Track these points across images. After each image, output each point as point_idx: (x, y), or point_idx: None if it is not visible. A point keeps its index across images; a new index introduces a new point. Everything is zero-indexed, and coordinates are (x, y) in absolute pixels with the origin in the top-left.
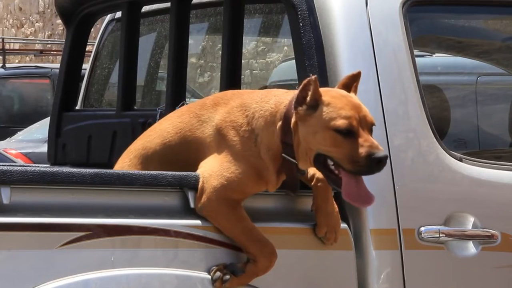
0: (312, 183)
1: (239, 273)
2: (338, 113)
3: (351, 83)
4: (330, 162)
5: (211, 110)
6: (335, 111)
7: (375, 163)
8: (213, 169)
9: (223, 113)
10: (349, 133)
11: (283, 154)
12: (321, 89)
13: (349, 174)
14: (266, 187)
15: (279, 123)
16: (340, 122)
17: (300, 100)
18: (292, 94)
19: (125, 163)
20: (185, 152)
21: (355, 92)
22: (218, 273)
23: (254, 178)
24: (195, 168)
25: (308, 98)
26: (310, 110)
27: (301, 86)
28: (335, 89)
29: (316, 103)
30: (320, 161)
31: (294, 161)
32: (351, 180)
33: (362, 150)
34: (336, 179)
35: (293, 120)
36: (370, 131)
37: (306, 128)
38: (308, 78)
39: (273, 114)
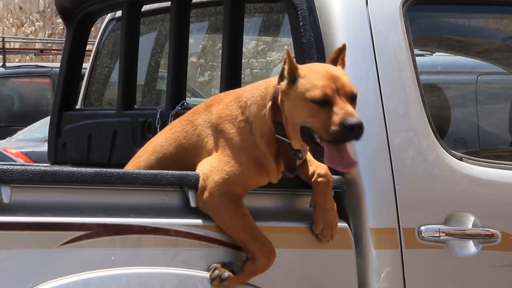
0: (313, 179)
1: (238, 271)
2: (313, 83)
3: (337, 57)
4: (316, 135)
5: (205, 112)
6: (310, 82)
7: (347, 130)
8: (213, 165)
9: (218, 110)
10: (325, 103)
11: (276, 135)
12: (304, 65)
13: (327, 143)
14: (268, 178)
15: (269, 104)
16: (314, 92)
17: (281, 76)
18: None
19: None
20: (182, 160)
21: (342, 65)
22: (216, 272)
23: (254, 169)
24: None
25: (286, 72)
26: (290, 84)
27: (283, 62)
28: (316, 63)
29: (294, 77)
30: (305, 134)
31: (286, 140)
32: (332, 147)
33: (336, 118)
34: (321, 150)
35: (279, 97)
36: (351, 100)
37: (288, 102)
38: (285, 54)
39: (263, 97)
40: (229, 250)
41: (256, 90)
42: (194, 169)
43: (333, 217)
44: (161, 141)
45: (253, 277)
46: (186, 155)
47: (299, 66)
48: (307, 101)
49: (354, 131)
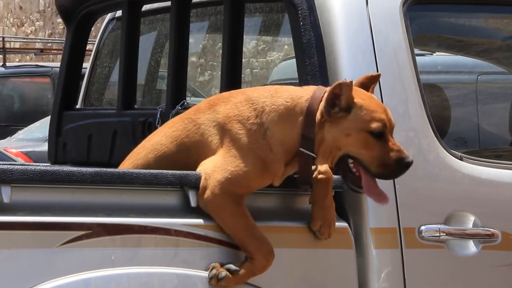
0: (313, 176)
1: (235, 271)
2: (372, 115)
3: (368, 84)
4: (350, 161)
5: (208, 111)
6: (369, 113)
7: (403, 168)
8: (216, 164)
9: (225, 109)
10: (381, 136)
11: (300, 148)
12: (355, 93)
13: (368, 174)
14: (272, 181)
15: (301, 118)
16: (375, 125)
17: (331, 103)
18: (311, 90)
19: None
20: (183, 159)
21: (372, 93)
22: (214, 271)
23: (260, 171)
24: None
25: (342, 102)
26: (343, 112)
27: (331, 89)
28: (361, 90)
29: (350, 106)
30: (343, 161)
31: (313, 154)
32: (370, 179)
33: (393, 154)
34: (355, 179)
35: (318, 116)
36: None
37: (338, 129)
38: (341, 82)
39: (289, 108)
40: (229, 250)
41: (278, 98)
42: (195, 169)
43: (331, 215)
44: (161, 139)
45: (251, 277)
46: (188, 154)
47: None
48: (364, 132)
49: (407, 169)
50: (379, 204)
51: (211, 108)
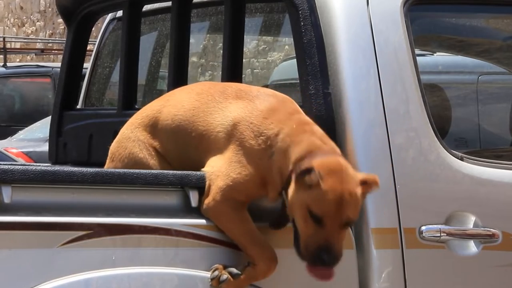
0: None
1: (237, 275)
2: (320, 199)
3: (367, 184)
4: None
5: (231, 100)
6: (320, 196)
7: (317, 259)
8: (221, 169)
9: (245, 110)
10: (317, 221)
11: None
12: (328, 160)
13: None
14: (267, 194)
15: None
16: (315, 208)
17: (302, 174)
18: (317, 147)
19: (137, 120)
20: (190, 133)
21: (366, 192)
22: (216, 273)
23: (258, 185)
24: (195, 153)
25: (312, 177)
26: (306, 184)
27: (303, 168)
28: (341, 169)
29: (314, 184)
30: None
31: (285, 199)
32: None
33: (316, 242)
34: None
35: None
36: (344, 225)
37: (294, 192)
38: (315, 172)
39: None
40: (230, 250)
41: (295, 138)
42: (197, 150)
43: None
44: (185, 100)
45: (253, 282)
46: (196, 130)
47: (325, 175)
48: (305, 207)
49: (324, 263)
50: (321, 281)
51: (235, 99)
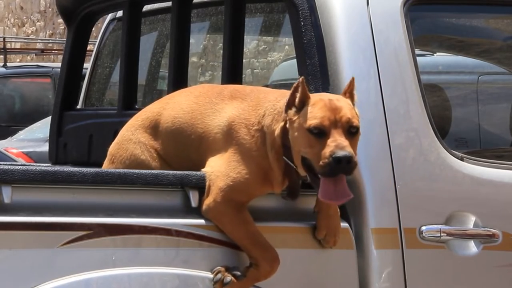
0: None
1: (240, 277)
2: (313, 114)
3: (347, 89)
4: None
5: (227, 101)
6: (312, 112)
7: (335, 163)
8: (220, 170)
9: (238, 108)
10: (320, 134)
11: (283, 157)
12: (313, 94)
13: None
14: (272, 188)
15: (281, 124)
16: (311, 122)
17: (290, 103)
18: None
19: (137, 122)
20: (190, 136)
21: (351, 98)
22: (219, 275)
23: (260, 180)
24: (196, 155)
25: (297, 100)
26: (297, 111)
27: (292, 89)
28: (324, 94)
29: (303, 105)
30: (305, 164)
31: (293, 165)
32: (329, 180)
33: (327, 150)
34: (318, 182)
35: (287, 122)
36: (349, 134)
37: (292, 130)
38: (297, 81)
39: (280, 113)
40: (230, 250)
41: (277, 103)
42: (197, 151)
43: (336, 223)
44: (184, 103)
45: (256, 283)
46: (195, 131)
47: (310, 95)
48: (304, 130)
49: (342, 164)
50: (338, 203)
51: (230, 99)
